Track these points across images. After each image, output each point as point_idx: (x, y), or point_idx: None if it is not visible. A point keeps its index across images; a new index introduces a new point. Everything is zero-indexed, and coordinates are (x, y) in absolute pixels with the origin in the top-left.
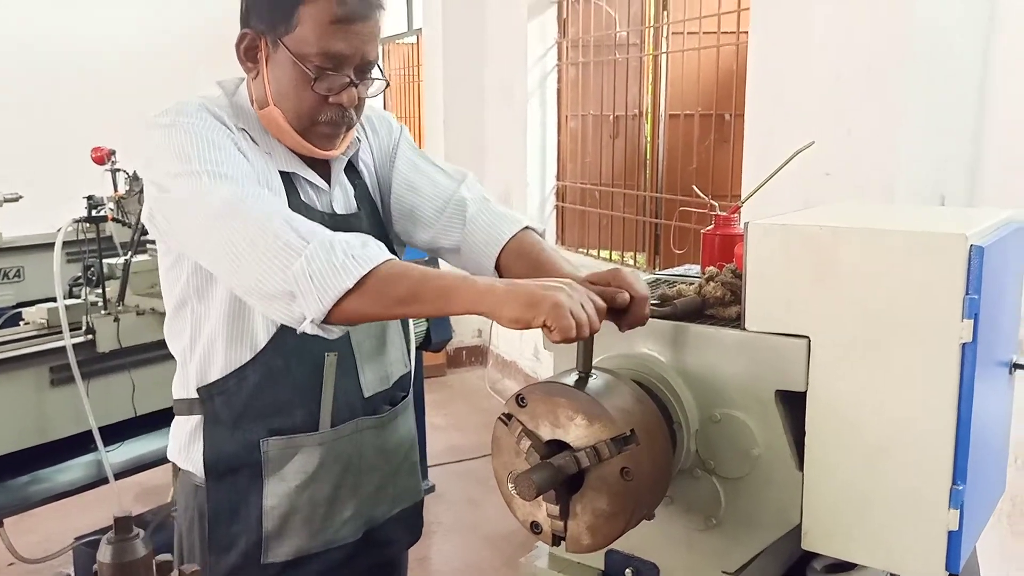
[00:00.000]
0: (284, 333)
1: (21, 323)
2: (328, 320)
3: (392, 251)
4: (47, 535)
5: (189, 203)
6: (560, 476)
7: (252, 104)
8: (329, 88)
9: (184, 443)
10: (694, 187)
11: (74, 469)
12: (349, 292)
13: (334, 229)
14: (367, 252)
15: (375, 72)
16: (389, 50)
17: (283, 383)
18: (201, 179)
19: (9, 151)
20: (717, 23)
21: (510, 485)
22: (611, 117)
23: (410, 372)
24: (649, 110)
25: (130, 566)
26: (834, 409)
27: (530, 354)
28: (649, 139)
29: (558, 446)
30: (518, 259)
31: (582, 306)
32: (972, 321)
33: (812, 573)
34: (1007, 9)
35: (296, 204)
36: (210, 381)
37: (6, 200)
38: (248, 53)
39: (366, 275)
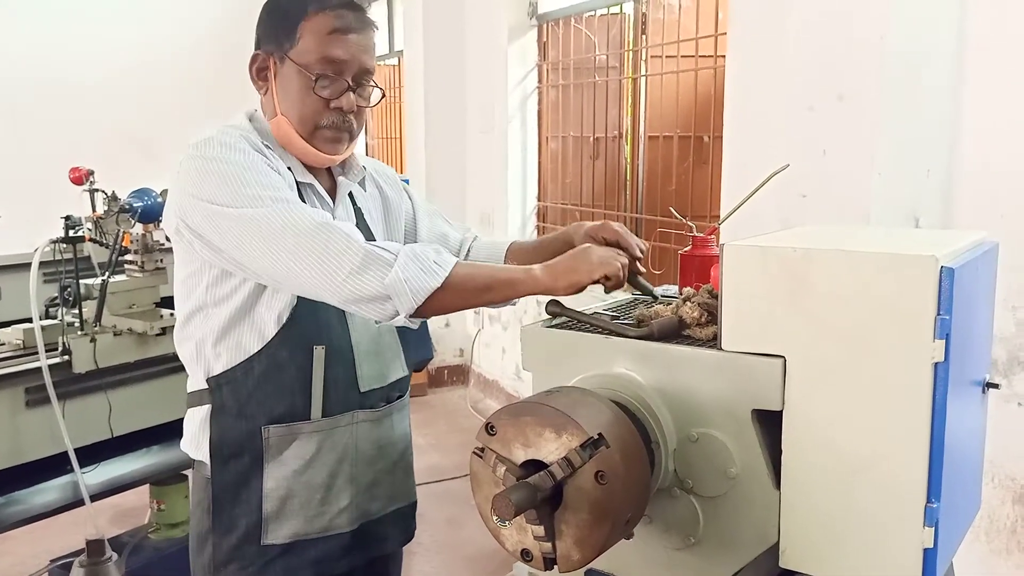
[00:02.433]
0: (290, 327)
1: None
2: (416, 314)
3: None
4: (22, 557)
5: (261, 221)
6: (537, 493)
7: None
8: (330, 92)
9: (195, 432)
10: (671, 208)
11: (49, 491)
12: (436, 290)
13: None
14: (445, 257)
15: (374, 89)
16: None
17: (285, 373)
18: (264, 202)
19: None
20: (695, 47)
21: (494, 516)
22: (591, 138)
23: (407, 377)
24: (629, 132)
25: None
26: (810, 428)
27: (512, 373)
28: (629, 160)
29: (535, 466)
30: (521, 253)
31: (616, 256)
32: (944, 341)
33: None
34: (975, 36)
35: None
36: (219, 372)
37: None
38: (260, 73)
39: (448, 275)
